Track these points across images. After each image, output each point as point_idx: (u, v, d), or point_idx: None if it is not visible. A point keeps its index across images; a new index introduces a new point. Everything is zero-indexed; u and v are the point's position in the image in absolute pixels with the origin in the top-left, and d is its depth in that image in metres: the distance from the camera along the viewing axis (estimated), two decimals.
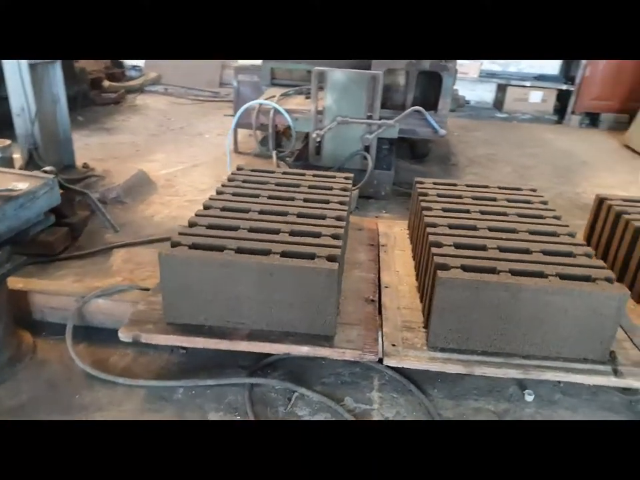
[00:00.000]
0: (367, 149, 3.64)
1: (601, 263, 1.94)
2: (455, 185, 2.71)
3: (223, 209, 2.22)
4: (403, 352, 1.88)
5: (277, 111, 3.72)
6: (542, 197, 2.60)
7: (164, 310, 1.92)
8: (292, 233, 2.03)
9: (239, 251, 1.87)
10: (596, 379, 1.83)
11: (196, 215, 2.14)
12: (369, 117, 3.56)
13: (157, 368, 2.05)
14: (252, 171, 2.73)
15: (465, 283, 1.79)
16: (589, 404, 1.98)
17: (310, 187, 2.54)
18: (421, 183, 2.70)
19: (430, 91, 3.93)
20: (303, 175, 2.72)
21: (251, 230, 2.04)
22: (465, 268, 1.85)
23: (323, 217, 2.21)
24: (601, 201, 2.64)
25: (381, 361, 1.87)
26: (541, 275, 1.84)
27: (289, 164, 3.85)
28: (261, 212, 2.22)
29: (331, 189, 2.55)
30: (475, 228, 2.18)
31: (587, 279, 1.83)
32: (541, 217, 2.34)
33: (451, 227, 2.18)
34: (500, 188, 2.69)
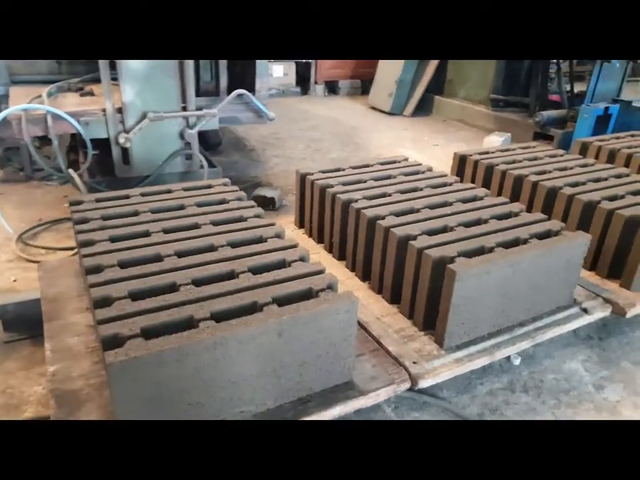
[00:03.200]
0: (188, 146, 3.10)
1: (541, 215, 2.05)
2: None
3: (125, 265, 1.55)
4: (429, 367, 1.65)
5: (55, 116, 2.82)
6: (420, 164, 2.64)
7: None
8: (252, 271, 1.55)
9: (215, 317, 1.32)
10: (577, 323, 1.96)
11: (91, 286, 1.43)
12: (184, 109, 3.02)
13: None
14: (97, 201, 1.99)
15: (478, 272, 1.65)
16: (556, 346, 2.13)
17: (200, 205, 2.00)
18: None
19: (243, 73, 3.54)
20: (169, 191, 2.12)
21: (196, 283, 1.47)
22: (464, 254, 1.71)
23: (263, 239, 1.75)
24: (462, 157, 2.82)
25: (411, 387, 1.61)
26: (521, 241, 1.83)
27: (88, 184, 3.01)
28: (178, 254, 1.63)
29: (225, 201, 2.06)
30: None
31: (548, 234, 1.91)
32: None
33: None
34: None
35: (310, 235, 2.50)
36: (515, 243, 1.83)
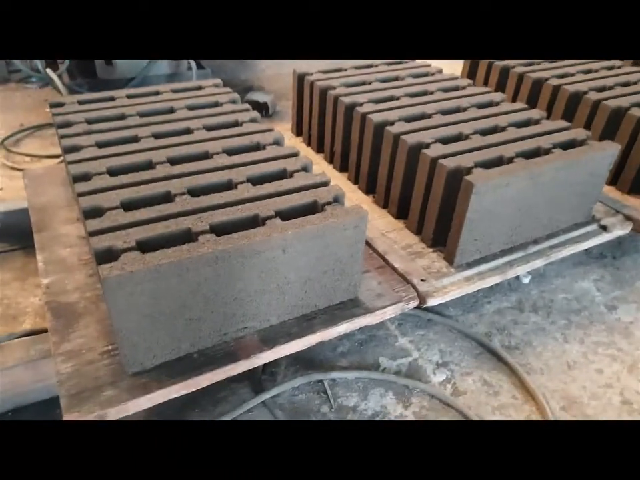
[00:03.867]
0: None
1: (564, 123, 1.90)
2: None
3: (114, 173, 1.42)
4: (438, 285, 1.58)
5: None
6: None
7: (123, 356, 1.18)
8: (251, 181, 1.43)
9: (215, 230, 1.22)
10: (594, 240, 1.87)
11: (80, 195, 1.31)
12: None
13: None
14: (79, 103, 1.82)
15: (497, 184, 1.53)
16: (567, 265, 2.08)
17: (191, 108, 1.83)
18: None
19: None
20: (157, 93, 1.95)
21: (192, 192, 1.36)
22: (482, 165, 1.59)
23: (261, 147, 1.62)
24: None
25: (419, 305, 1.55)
26: (543, 151, 1.70)
27: (69, 87, 2.79)
28: (171, 161, 1.50)
29: (217, 104, 1.89)
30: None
31: (572, 144, 1.77)
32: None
33: None
34: None
35: (309, 144, 2.35)
36: (536, 152, 1.71)
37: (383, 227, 1.83)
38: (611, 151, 1.75)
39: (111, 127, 1.65)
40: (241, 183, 1.41)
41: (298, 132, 2.42)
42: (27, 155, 2.58)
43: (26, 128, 2.79)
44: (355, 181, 2.07)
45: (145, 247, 1.14)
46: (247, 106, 1.87)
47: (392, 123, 1.82)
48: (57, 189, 1.83)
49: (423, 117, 1.91)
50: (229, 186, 1.41)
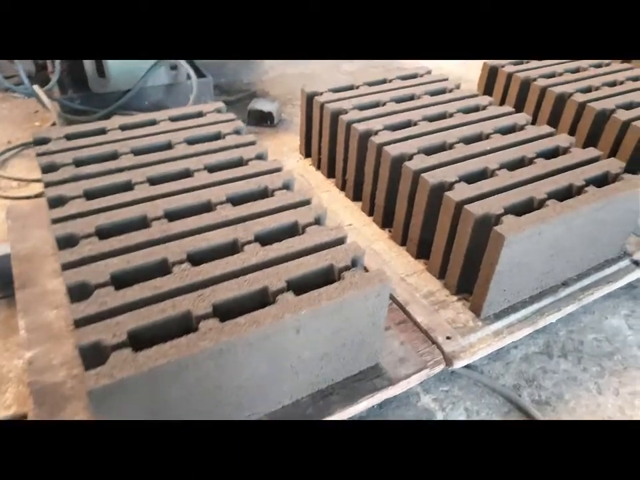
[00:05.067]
0: None
1: (595, 151, 1.75)
2: None
3: (104, 235, 1.28)
4: (465, 342, 1.45)
5: None
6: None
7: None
8: (259, 240, 1.29)
9: (219, 312, 1.08)
10: (628, 278, 1.75)
11: (64, 268, 1.17)
12: None
13: None
14: (67, 139, 1.67)
15: (529, 234, 1.39)
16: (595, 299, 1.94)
17: (191, 143, 1.68)
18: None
19: None
20: (153, 122, 1.79)
21: (193, 260, 1.22)
22: (512, 210, 1.44)
23: (269, 193, 1.47)
24: (492, 69, 2.44)
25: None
26: (576, 190, 1.56)
27: (60, 102, 2.64)
28: (169, 216, 1.36)
29: (220, 136, 1.74)
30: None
31: (605, 179, 1.63)
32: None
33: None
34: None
35: (318, 167, 2.21)
36: (569, 192, 1.56)
37: (401, 269, 1.69)
38: None
39: (101, 170, 1.50)
40: (248, 243, 1.27)
41: (307, 153, 2.27)
42: (14, 180, 2.43)
43: (13, 147, 2.63)
44: (370, 213, 1.92)
45: (136, 338, 1.01)
46: (252, 138, 1.71)
47: (410, 157, 1.67)
48: (44, 232, 1.69)
49: (443, 147, 1.76)
50: (234, 248, 1.27)
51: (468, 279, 1.54)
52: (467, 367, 1.65)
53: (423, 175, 1.57)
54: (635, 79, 2.31)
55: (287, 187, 1.49)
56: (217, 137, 1.72)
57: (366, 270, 1.30)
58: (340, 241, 1.30)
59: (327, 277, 1.20)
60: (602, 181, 1.63)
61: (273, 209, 1.39)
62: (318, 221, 1.37)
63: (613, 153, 2.00)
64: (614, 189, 1.57)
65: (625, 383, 1.67)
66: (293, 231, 1.34)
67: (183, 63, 2.69)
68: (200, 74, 2.90)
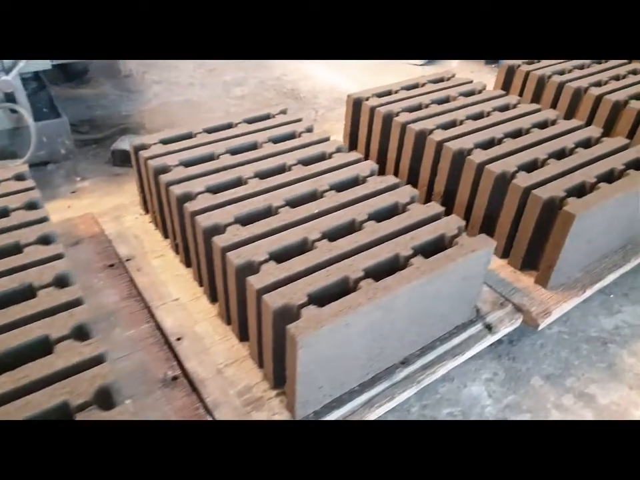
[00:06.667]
0: (10, 97, 2.39)
1: (438, 207, 1.60)
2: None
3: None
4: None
5: None
6: None
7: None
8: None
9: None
10: (476, 348, 1.59)
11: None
12: None
13: None
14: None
15: (332, 329, 1.21)
16: None
17: None
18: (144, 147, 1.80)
19: None
20: None
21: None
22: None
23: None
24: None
25: None
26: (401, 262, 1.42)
27: None
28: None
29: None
30: None
31: (441, 242, 1.48)
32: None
33: None
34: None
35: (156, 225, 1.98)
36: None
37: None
38: (484, 249, 1.45)
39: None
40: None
41: (146, 209, 2.05)
42: None
43: None
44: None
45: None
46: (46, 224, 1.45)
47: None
48: None
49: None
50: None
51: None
52: None
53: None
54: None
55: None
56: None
57: None
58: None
59: (440, 244, 1.46)
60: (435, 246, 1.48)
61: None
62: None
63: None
64: (445, 259, 1.38)
65: None
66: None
67: (19, 108, 2.40)
68: (56, 114, 2.66)
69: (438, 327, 1.54)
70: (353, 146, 2.43)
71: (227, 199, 1.55)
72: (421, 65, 4.33)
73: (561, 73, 2.66)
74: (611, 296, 2.08)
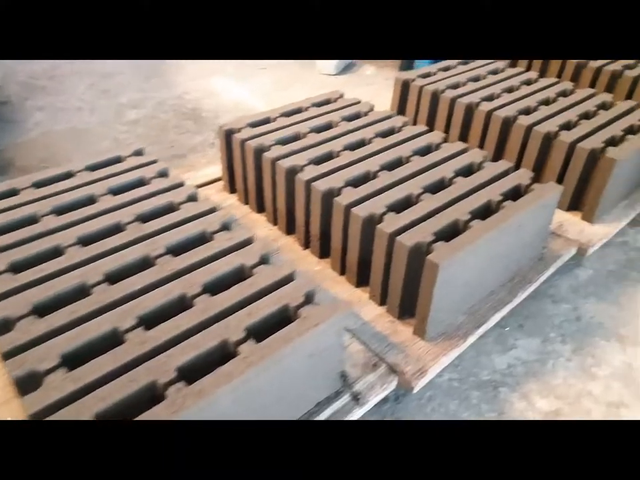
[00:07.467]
0: None
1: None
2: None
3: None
4: None
5: None
6: None
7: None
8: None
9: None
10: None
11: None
12: None
13: None
14: None
15: None
16: None
17: None
18: None
19: None
20: None
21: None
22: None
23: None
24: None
25: None
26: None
27: None
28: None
29: None
30: None
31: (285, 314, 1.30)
32: None
33: None
34: None
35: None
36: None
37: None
38: (336, 316, 1.28)
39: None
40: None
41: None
42: None
43: None
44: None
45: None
46: None
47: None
48: None
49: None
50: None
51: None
52: None
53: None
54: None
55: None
56: None
57: None
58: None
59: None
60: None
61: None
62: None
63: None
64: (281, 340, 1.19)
65: None
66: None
67: None
68: None
69: (296, 407, 1.35)
70: (231, 182, 2.25)
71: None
72: (334, 74, 4.17)
73: (455, 86, 2.56)
74: (507, 329, 1.96)
